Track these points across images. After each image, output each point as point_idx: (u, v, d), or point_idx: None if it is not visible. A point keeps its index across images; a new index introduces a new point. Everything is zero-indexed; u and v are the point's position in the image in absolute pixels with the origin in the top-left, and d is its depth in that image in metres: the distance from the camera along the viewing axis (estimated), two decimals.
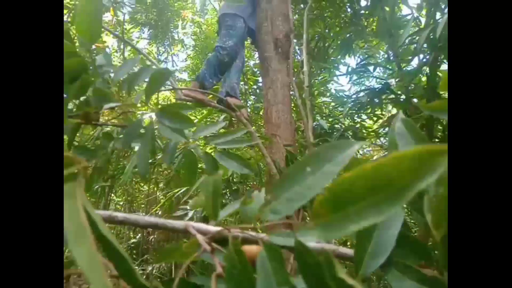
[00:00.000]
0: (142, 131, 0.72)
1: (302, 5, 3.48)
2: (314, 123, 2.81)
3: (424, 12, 3.27)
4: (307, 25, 2.85)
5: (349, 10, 3.61)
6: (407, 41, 2.56)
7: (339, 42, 3.69)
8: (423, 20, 2.74)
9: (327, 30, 3.67)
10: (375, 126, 3.31)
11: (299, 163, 0.31)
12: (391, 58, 2.86)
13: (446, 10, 2.30)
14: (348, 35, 3.44)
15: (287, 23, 2.46)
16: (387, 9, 3.07)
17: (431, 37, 2.20)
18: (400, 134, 0.42)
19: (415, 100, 2.59)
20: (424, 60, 2.46)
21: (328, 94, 4.15)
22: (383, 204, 0.23)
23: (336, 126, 3.05)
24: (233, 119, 2.12)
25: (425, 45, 2.22)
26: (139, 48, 4.92)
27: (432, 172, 0.21)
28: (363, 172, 0.23)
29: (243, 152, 2.41)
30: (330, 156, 0.29)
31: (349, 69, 3.76)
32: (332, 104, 4.10)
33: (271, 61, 2.30)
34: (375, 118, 2.91)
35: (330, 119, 3.12)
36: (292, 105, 2.58)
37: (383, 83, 2.65)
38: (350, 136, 2.94)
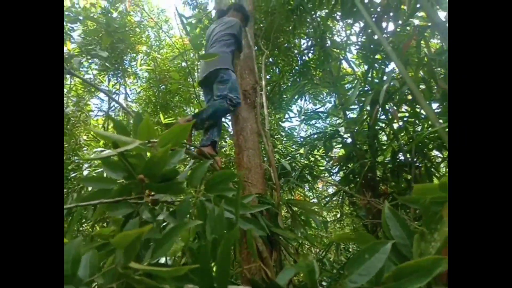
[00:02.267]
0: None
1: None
2: (276, 164, 3.07)
3: (361, 68, 3.91)
4: (265, 73, 3.19)
5: (299, 60, 4.12)
6: (351, 94, 3.04)
7: (289, 85, 4.15)
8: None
9: (280, 77, 4.10)
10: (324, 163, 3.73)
11: (360, 252, 0.50)
12: (338, 106, 3.34)
13: (384, 68, 2.85)
14: (299, 82, 3.90)
15: (253, 76, 2.74)
16: (333, 63, 3.61)
17: (369, 92, 2.69)
18: (389, 219, 0.64)
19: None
20: (364, 110, 2.96)
21: (281, 131, 4.52)
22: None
23: (293, 164, 3.35)
24: (211, 163, 2.24)
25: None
26: (89, 81, 4.72)
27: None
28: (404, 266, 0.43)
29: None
30: (378, 249, 0.49)
31: (302, 111, 4.21)
32: (283, 139, 4.48)
33: (240, 111, 2.51)
34: (327, 159, 3.30)
35: (288, 159, 3.42)
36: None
37: (334, 129, 3.06)
38: (307, 174, 3.26)
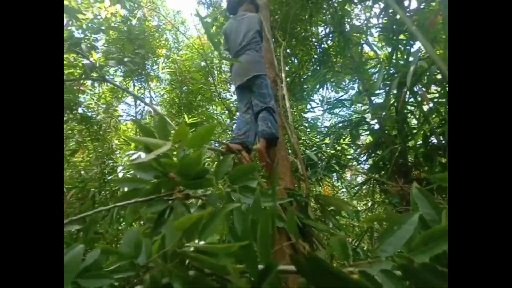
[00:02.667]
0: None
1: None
2: (302, 156, 3.05)
3: (384, 50, 3.76)
4: (284, 64, 3.16)
5: (318, 48, 4.04)
6: (375, 78, 2.95)
7: (309, 75, 4.08)
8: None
9: (300, 67, 4.04)
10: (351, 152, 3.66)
11: (389, 225, 0.51)
12: (363, 92, 3.25)
13: (409, 49, 2.72)
14: (319, 70, 3.82)
15: (272, 69, 2.73)
16: (353, 49, 3.51)
17: (395, 75, 2.58)
18: (417, 197, 0.64)
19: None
20: (391, 94, 2.85)
21: (304, 123, 4.48)
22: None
23: (319, 155, 3.31)
24: (235, 161, 2.27)
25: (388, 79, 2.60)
26: (118, 85, 4.92)
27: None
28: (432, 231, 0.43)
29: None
30: (405, 221, 0.51)
31: (324, 100, 4.14)
32: (307, 131, 4.43)
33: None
34: (354, 147, 3.23)
35: (313, 149, 3.39)
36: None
37: (359, 116, 2.98)
38: (334, 164, 3.22)
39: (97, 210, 0.71)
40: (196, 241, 0.45)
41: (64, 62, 4.33)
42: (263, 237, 0.39)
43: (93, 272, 0.53)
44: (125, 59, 4.48)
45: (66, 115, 4.49)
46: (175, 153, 0.87)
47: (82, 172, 4.49)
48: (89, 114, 4.78)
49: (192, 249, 0.44)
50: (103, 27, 4.75)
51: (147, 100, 5.84)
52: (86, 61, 4.42)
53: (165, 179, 0.75)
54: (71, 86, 4.18)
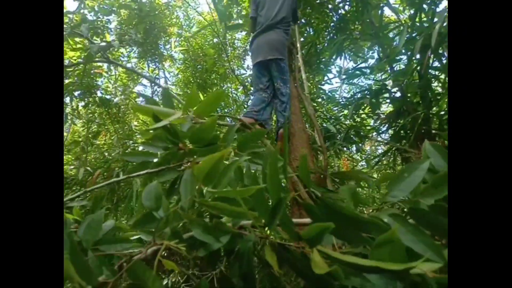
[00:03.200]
0: None
1: None
2: (320, 127, 3.00)
3: (407, 13, 3.52)
4: (299, 35, 3.04)
5: (334, 15, 3.83)
6: (396, 44, 2.78)
7: (325, 45, 3.91)
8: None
9: (316, 36, 3.87)
10: (371, 123, 3.54)
11: (400, 172, 0.52)
12: (383, 59, 3.09)
13: (435, 10, 2.53)
14: (336, 39, 3.65)
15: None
16: (373, 13, 3.30)
17: (417, 38, 2.42)
18: (429, 151, 0.63)
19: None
20: (414, 59, 2.69)
21: (322, 95, 4.36)
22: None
23: (338, 127, 3.24)
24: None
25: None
26: (133, 69, 4.96)
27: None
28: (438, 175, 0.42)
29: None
30: (416, 167, 0.50)
31: (342, 71, 3.98)
32: (325, 103, 4.32)
33: None
34: (375, 117, 3.12)
35: (331, 121, 3.31)
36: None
37: (380, 84, 2.86)
38: (353, 136, 3.14)
39: (106, 182, 0.72)
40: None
41: (79, 45, 4.37)
42: (272, 177, 0.39)
43: (111, 237, 0.54)
44: (137, 38, 4.47)
45: (86, 98, 4.60)
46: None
47: (106, 154, 4.67)
48: (108, 97, 4.88)
49: (209, 199, 0.44)
50: (114, 8, 4.72)
51: (162, 81, 5.87)
52: (96, 43, 4.45)
53: (174, 149, 0.75)
54: (88, 69, 4.24)
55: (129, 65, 5.46)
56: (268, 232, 0.45)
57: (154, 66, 5.61)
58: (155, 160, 0.71)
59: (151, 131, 0.72)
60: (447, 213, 0.40)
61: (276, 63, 2.37)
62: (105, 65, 4.77)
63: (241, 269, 0.50)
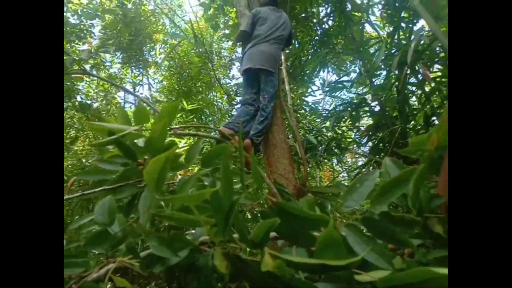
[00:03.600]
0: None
1: None
2: (302, 138, 3.02)
3: (387, 30, 3.65)
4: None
5: (318, 29, 3.93)
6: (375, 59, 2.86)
7: (309, 57, 3.99)
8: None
9: (300, 49, 3.95)
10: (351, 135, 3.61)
11: (353, 183, 0.56)
12: (364, 74, 3.18)
13: (411, 28, 2.64)
14: (320, 52, 3.74)
15: None
16: (355, 28, 3.41)
17: (395, 54, 2.51)
18: (389, 166, 0.65)
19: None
20: (392, 74, 2.78)
21: (305, 106, 4.42)
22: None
23: (319, 138, 3.28)
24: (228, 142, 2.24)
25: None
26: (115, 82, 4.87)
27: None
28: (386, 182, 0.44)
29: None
30: (366, 178, 0.54)
31: (325, 83, 4.07)
32: (307, 114, 4.38)
33: None
34: (355, 130, 3.19)
35: (313, 133, 3.35)
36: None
37: (360, 98, 2.93)
38: (334, 147, 3.19)
39: (67, 197, 0.68)
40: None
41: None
42: (225, 180, 0.39)
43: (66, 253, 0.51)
44: (121, 45, 4.41)
45: (65, 103, 4.46)
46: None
47: (84, 160, 4.51)
48: (88, 102, 4.75)
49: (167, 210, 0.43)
50: (98, 12, 4.65)
51: (146, 87, 5.79)
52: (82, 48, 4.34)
53: (133, 165, 0.72)
54: (69, 74, 4.13)
55: (112, 70, 5.36)
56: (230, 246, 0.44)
57: (138, 72, 5.54)
58: (113, 176, 0.67)
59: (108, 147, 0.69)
60: (394, 220, 0.41)
61: (265, 74, 2.38)
62: (88, 68, 4.66)
63: (199, 285, 0.48)
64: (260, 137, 2.29)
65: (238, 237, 0.41)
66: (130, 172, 0.70)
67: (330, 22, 3.76)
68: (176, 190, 0.48)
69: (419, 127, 2.72)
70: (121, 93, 7.01)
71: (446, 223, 0.45)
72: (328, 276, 0.38)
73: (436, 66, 2.43)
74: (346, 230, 0.40)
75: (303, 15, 3.87)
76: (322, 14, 3.92)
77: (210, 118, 5.85)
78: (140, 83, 5.73)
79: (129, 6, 4.91)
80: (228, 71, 6.03)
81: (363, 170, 3.16)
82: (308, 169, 3.61)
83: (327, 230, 0.32)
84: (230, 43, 5.81)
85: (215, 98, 6.15)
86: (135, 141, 0.79)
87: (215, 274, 0.49)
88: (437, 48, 2.35)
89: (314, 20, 3.92)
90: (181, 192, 0.47)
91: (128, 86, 5.92)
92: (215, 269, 0.45)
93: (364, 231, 0.42)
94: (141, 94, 5.66)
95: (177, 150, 0.77)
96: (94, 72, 5.43)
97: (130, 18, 4.35)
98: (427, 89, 2.57)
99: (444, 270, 0.26)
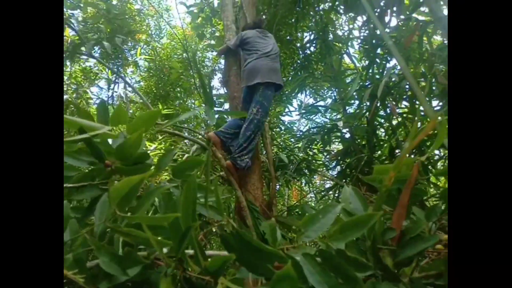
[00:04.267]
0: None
1: None
2: (273, 156, 3.07)
3: (363, 62, 3.88)
4: None
5: (301, 53, 4.09)
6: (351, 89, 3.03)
7: (290, 79, 4.13)
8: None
9: (281, 70, 4.07)
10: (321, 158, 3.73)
11: (315, 213, 0.58)
12: (338, 101, 3.33)
13: (385, 63, 2.83)
14: (300, 75, 3.88)
15: None
16: (334, 57, 3.59)
17: (368, 87, 2.67)
18: (351, 195, 0.70)
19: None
20: (363, 105, 2.95)
21: (281, 125, 4.52)
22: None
23: (291, 158, 3.35)
24: (208, 149, 2.22)
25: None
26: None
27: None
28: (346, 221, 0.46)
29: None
30: (329, 210, 0.56)
31: (302, 105, 4.20)
32: (282, 133, 4.48)
33: (238, 102, 2.50)
34: (325, 153, 3.29)
35: (286, 152, 3.42)
36: None
37: (333, 124, 3.05)
38: (304, 168, 3.26)
39: None
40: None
41: None
42: (185, 205, 0.39)
43: None
44: (104, 42, 4.28)
45: None
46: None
47: None
48: None
49: (123, 224, 0.41)
50: (81, 4, 4.50)
51: (121, 86, 5.62)
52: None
53: (100, 166, 0.69)
54: None
55: (88, 64, 5.16)
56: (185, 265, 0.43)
57: (116, 69, 5.37)
58: (77, 174, 0.64)
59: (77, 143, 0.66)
60: (348, 260, 0.43)
61: (264, 87, 2.32)
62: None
63: None
64: (245, 156, 2.19)
65: (193, 261, 0.41)
66: (96, 172, 0.67)
67: (312, 48, 3.94)
68: (142, 198, 0.47)
69: (384, 157, 2.88)
70: (94, 89, 6.72)
71: (397, 255, 0.48)
72: None
73: (404, 103, 2.62)
74: (302, 259, 0.41)
75: (288, 38, 4.02)
76: (305, 39, 4.10)
77: (185, 125, 5.76)
78: (117, 81, 5.55)
79: (114, 1, 4.81)
80: (210, 81, 6.02)
81: (330, 192, 3.26)
82: (278, 186, 3.65)
83: (285, 269, 0.33)
84: (214, 53, 5.84)
85: (193, 105, 6.09)
86: (108, 140, 0.76)
87: None
88: (406, 86, 2.54)
89: (298, 45, 4.09)
90: (146, 202, 0.46)
91: (102, 83, 5.71)
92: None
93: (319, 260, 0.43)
94: (116, 92, 5.46)
95: (150, 154, 0.75)
96: (68, 63, 5.19)
97: (114, 15, 4.25)
98: (394, 122, 2.75)
99: None
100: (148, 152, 0.82)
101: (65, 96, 4.33)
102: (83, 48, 4.43)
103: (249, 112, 2.28)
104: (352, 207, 0.63)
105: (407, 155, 0.62)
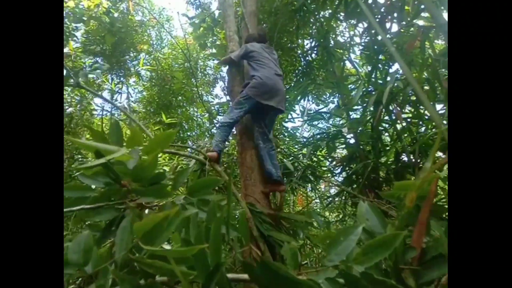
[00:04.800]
0: None
1: None
2: (279, 164, 3.07)
3: (365, 68, 3.89)
4: None
5: (302, 60, 4.12)
6: (354, 94, 3.03)
7: (292, 85, 4.14)
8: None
9: (284, 77, 4.09)
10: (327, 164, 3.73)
11: (336, 235, 0.57)
12: (342, 107, 3.34)
13: (388, 69, 2.84)
14: (302, 82, 3.89)
15: None
16: (336, 64, 3.61)
17: (373, 93, 2.68)
18: (367, 212, 0.69)
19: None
20: (368, 110, 2.95)
21: (284, 132, 4.52)
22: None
23: (296, 164, 3.34)
24: (206, 167, 2.20)
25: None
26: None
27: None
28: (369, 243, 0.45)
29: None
30: (351, 232, 0.55)
31: (305, 111, 4.21)
32: (287, 140, 4.48)
33: None
34: (330, 159, 3.29)
35: (290, 159, 3.42)
36: None
37: (337, 129, 3.05)
38: (309, 175, 3.26)
39: None
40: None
41: None
42: (214, 241, 0.39)
43: None
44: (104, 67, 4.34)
45: None
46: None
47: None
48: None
49: (145, 255, 0.42)
50: (84, 17, 4.56)
51: (124, 96, 5.66)
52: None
53: (116, 186, 0.70)
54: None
55: (90, 76, 5.20)
56: None
57: (118, 80, 5.42)
58: (93, 194, 0.65)
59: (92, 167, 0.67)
60: (375, 282, 0.43)
61: (274, 113, 2.48)
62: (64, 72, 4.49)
63: None
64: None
65: None
66: (112, 192, 0.67)
67: (313, 55, 3.96)
68: (162, 227, 0.48)
69: (390, 162, 2.87)
70: (98, 100, 6.76)
71: (421, 276, 0.48)
72: None
73: (408, 108, 2.62)
74: (325, 283, 0.41)
75: (289, 45, 4.05)
76: (307, 46, 4.12)
77: (188, 133, 5.79)
78: (119, 91, 5.60)
79: (116, 14, 4.87)
80: (211, 89, 6.07)
81: (336, 199, 3.25)
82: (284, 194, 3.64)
83: None
84: (216, 61, 5.89)
85: (196, 114, 6.12)
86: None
87: None
88: (409, 92, 2.54)
89: (299, 52, 4.11)
90: (167, 231, 0.47)
91: (105, 94, 5.75)
92: None
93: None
94: (119, 103, 5.51)
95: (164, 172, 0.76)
96: (71, 75, 5.24)
97: (117, 28, 4.30)
98: (399, 127, 2.75)
99: None
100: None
101: (69, 109, 4.37)
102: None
103: (267, 135, 2.43)
104: (370, 224, 0.63)
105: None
